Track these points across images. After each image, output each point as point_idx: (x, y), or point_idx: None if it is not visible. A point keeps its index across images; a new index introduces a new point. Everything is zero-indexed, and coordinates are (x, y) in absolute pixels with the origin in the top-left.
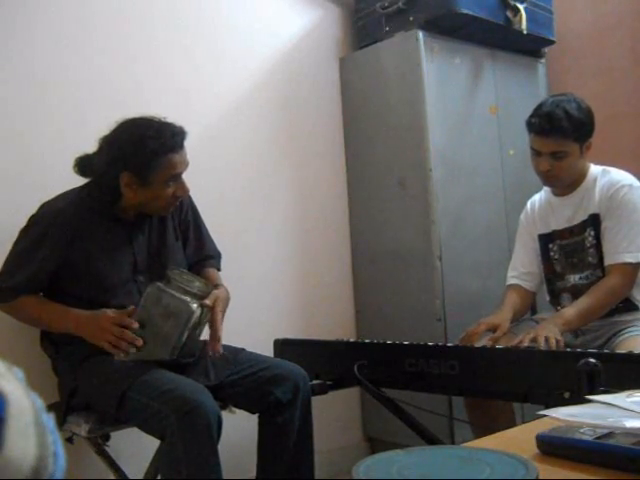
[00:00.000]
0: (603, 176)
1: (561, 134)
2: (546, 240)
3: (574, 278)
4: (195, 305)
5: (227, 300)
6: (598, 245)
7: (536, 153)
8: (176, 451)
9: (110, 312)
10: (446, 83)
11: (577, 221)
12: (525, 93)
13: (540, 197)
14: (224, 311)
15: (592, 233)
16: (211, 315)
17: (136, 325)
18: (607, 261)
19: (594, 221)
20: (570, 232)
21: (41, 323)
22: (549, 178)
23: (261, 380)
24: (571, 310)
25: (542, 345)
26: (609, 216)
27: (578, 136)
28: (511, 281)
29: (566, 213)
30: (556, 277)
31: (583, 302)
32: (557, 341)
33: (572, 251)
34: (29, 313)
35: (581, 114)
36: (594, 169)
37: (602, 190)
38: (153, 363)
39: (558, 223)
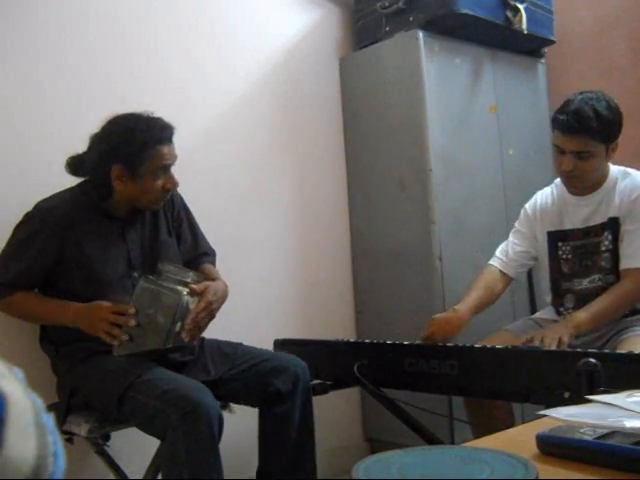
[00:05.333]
0: (624, 178)
1: (589, 134)
2: (556, 238)
3: (584, 281)
4: (185, 292)
5: (223, 293)
6: (614, 250)
7: (559, 151)
8: (177, 451)
9: (105, 303)
10: (446, 83)
11: (594, 223)
12: (525, 93)
13: (552, 192)
14: (217, 302)
15: (609, 237)
16: (198, 301)
17: (132, 310)
18: (623, 265)
19: (613, 225)
20: (585, 233)
21: (38, 318)
22: (571, 179)
23: (260, 372)
24: (583, 314)
25: (550, 347)
26: (630, 220)
27: (605, 137)
28: (495, 262)
29: (582, 213)
30: (563, 277)
31: (595, 306)
32: (560, 342)
33: (586, 253)
34: (25, 308)
35: (610, 114)
36: (614, 170)
37: (623, 193)
38: (153, 362)
39: (572, 223)
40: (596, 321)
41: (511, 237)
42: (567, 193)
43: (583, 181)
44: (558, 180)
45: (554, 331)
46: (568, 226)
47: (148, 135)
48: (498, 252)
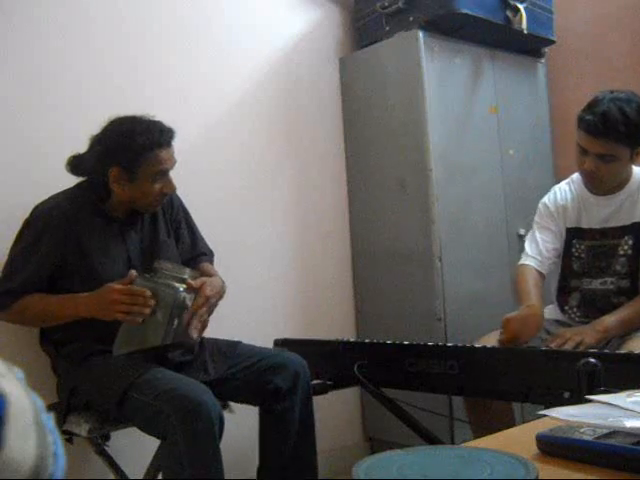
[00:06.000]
0: None
1: (614, 138)
2: (571, 236)
3: (595, 282)
4: (182, 288)
5: (220, 288)
6: (633, 255)
7: (582, 151)
8: (178, 451)
9: (114, 284)
10: (446, 83)
11: (614, 225)
12: (525, 93)
13: (570, 188)
14: (215, 297)
15: (630, 242)
16: (196, 297)
17: (149, 293)
18: None
19: (636, 230)
20: (602, 234)
21: (47, 318)
22: (592, 180)
23: (260, 370)
24: (612, 318)
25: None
26: None
27: (632, 141)
28: (531, 262)
29: (602, 214)
30: (572, 275)
31: (625, 310)
32: (581, 343)
33: (601, 254)
34: (33, 311)
35: (639, 117)
36: (638, 171)
37: None
38: (153, 362)
39: (590, 222)
40: (625, 326)
41: (539, 234)
42: (586, 191)
43: (604, 183)
44: (575, 176)
45: (579, 332)
46: (585, 225)
47: (147, 139)
48: (530, 251)
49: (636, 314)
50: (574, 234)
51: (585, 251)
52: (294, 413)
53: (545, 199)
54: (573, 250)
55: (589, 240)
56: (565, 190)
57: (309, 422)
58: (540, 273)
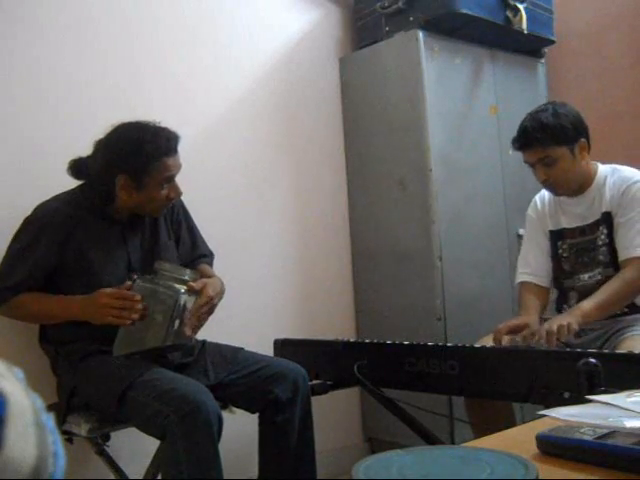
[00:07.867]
0: (613, 174)
1: (537, 144)
2: (555, 238)
3: (583, 277)
4: (183, 289)
5: (221, 288)
6: (610, 243)
7: (529, 166)
8: (177, 451)
9: (108, 289)
10: (446, 83)
11: (589, 221)
12: (525, 93)
13: (548, 192)
14: (217, 297)
15: (605, 231)
16: (198, 297)
17: (138, 297)
18: (622, 256)
19: (607, 219)
20: (581, 231)
21: (42, 317)
22: (550, 187)
23: (260, 379)
24: (589, 303)
25: (558, 335)
26: (622, 212)
27: (559, 140)
28: (525, 278)
29: (577, 212)
30: (564, 275)
31: (600, 295)
32: (569, 328)
33: (583, 250)
34: (29, 309)
35: (555, 119)
36: (603, 169)
37: (613, 188)
38: (153, 363)
39: (569, 221)
40: (602, 310)
41: (525, 246)
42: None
43: (562, 186)
44: None
45: (562, 319)
46: (565, 225)
47: (154, 147)
48: (520, 266)
49: (611, 296)
50: (557, 236)
51: (567, 250)
52: (294, 424)
53: (529, 210)
54: (560, 252)
55: (570, 239)
56: (543, 195)
57: (308, 432)
58: (536, 285)
